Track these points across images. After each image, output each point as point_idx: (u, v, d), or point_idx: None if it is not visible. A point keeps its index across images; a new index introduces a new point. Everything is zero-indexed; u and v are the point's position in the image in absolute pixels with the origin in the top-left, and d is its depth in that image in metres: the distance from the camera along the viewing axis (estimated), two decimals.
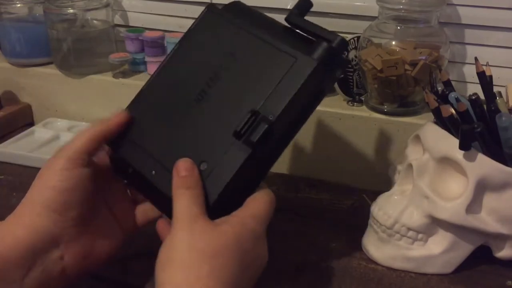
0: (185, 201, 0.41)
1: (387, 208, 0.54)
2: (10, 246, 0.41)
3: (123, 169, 0.49)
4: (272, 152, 0.45)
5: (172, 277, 0.37)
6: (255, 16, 0.52)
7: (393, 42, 0.69)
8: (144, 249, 0.56)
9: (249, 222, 0.41)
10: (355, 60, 0.74)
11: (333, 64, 0.46)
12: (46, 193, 0.43)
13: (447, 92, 0.54)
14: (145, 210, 0.51)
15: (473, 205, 0.51)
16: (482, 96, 0.53)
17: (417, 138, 0.57)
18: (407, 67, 0.66)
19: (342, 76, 0.51)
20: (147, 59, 0.84)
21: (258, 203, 0.43)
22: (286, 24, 0.50)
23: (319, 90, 0.47)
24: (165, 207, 0.44)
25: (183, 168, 0.42)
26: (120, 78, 0.84)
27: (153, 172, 0.46)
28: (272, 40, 0.46)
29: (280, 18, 0.82)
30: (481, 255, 0.54)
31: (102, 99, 0.85)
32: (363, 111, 0.72)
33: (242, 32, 0.48)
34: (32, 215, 0.42)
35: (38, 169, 0.73)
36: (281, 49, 0.45)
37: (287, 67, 0.44)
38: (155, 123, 0.49)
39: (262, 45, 0.46)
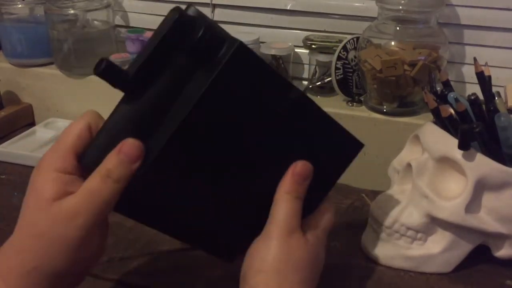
0: (290, 209, 0.42)
1: (387, 207, 0.55)
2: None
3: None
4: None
5: (266, 282, 0.40)
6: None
7: (393, 43, 0.69)
8: (144, 249, 0.57)
9: (322, 237, 0.45)
10: (354, 61, 0.75)
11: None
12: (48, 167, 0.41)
13: (446, 92, 0.54)
14: None
15: (472, 205, 0.51)
16: (481, 96, 0.53)
17: (416, 138, 0.58)
18: (406, 67, 0.66)
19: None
20: None
21: (328, 216, 0.46)
22: None
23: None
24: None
25: (302, 172, 0.42)
26: None
27: None
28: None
29: (280, 19, 0.83)
30: (480, 255, 0.54)
31: (103, 100, 0.85)
32: (362, 111, 0.72)
33: None
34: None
35: None
36: None
37: None
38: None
39: None
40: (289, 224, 0.41)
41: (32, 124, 0.91)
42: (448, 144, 0.52)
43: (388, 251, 0.55)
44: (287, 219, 0.42)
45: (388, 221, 0.54)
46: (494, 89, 0.55)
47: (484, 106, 0.53)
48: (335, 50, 0.74)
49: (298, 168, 0.42)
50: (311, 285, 0.42)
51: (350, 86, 0.76)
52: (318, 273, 0.44)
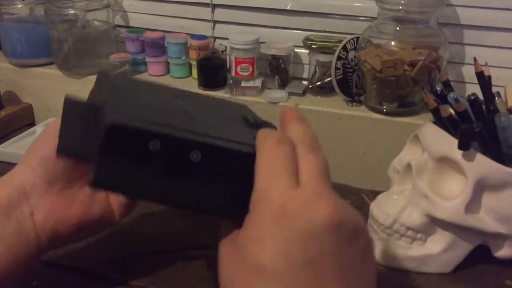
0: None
1: (387, 207, 0.55)
2: None
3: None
4: None
5: None
6: None
7: (392, 43, 0.69)
8: (144, 249, 0.57)
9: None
10: (354, 61, 0.75)
11: None
12: (29, 150, 0.45)
13: (446, 92, 0.54)
14: None
15: (472, 205, 0.51)
16: (481, 96, 0.53)
17: (416, 138, 0.58)
18: (406, 67, 0.67)
19: None
20: (147, 59, 0.85)
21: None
22: None
23: None
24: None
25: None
26: None
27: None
28: None
29: (279, 19, 0.83)
30: (480, 255, 0.54)
31: None
32: (362, 111, 0.72)
33: None
34: (13, 171, 0.45)
35: None
36: None
37: None
38: None
39: None
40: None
41: (32, 124, 0.91)
42: (448, 144, 0.52)
43: (388, 251, 0.55)
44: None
45: (388, 221, 0.54)
46: (494, 89, 0.55)
47: (484, 106, 0.53)
48: (335, 50, 0.74)
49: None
50: None
51: (350, 86, 0.76)
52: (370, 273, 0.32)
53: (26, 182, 0.44)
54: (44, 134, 0.46)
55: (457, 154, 0.51)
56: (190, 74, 0.85)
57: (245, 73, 0.78)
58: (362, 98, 0.74)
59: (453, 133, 0.52)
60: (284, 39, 0.81)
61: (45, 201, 0.44)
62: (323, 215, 0.29)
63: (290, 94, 0.77)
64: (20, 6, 0.89)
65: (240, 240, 0.31)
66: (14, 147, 0.80)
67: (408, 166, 0.55)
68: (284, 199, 0.30)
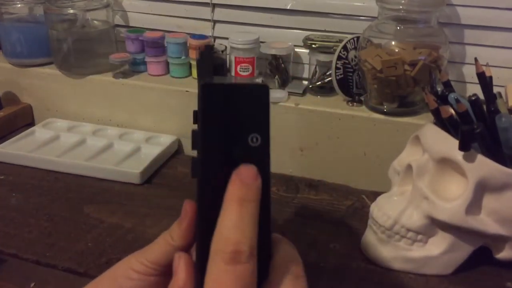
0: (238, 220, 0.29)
1: (387, 209, 0.54)
2: None
3: None
4: None
5: None
6: None
7: (393, 42, 0.69)
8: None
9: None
10: (354, 61, 0.74)
11: None
12: (104, 282, 0.41)
13: (447, 93, 0.54)
14: None
15: (473, 206, 0.51)
16: (481, 96, 0.53)
17: (417, 138, 0.57)
18: (406, 67, 0.66)
19: None
20: (147, 59, 0.84)
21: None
22: None
23: None
24: None
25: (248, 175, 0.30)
26: (120, 78, 0.84)
27: None
28: None
29: (279, 18, 0.82)
30: (481, 256, 0.54)
31: (103, 99, 0.86)
32: (362, 111, 0.72)
33: None
34: None
35: (38, 169, 0.75)
36: None
37: None
38: None
39: None
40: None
41: (31, 124, 0.91)
42: (448, 145, 0.51)
43: (388, 253, 0.55)
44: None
45: (388, 223, 0.54)
46: (494, 89, 0.55)
47: (485, 107, 0.53)
48: (335, 50, 0.74)
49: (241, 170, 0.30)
50: None
51: (350, 86, 0.75)
52: None
53: None
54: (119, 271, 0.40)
55: (458, 155, 0.50)
56: (190, 74, 0.85)
57: (245, 73, 0.78)
58: (362, 98, 0.74)
59: (453, 134, 0.52)
60: (284, 39, 0.81)
61: None
62: None
63: (290, 94, 0.76)
64: (19, 5, 0.89)
65: None
66: (13, 147, 0.79)
67: (409, 167, 0.55)
68: None
